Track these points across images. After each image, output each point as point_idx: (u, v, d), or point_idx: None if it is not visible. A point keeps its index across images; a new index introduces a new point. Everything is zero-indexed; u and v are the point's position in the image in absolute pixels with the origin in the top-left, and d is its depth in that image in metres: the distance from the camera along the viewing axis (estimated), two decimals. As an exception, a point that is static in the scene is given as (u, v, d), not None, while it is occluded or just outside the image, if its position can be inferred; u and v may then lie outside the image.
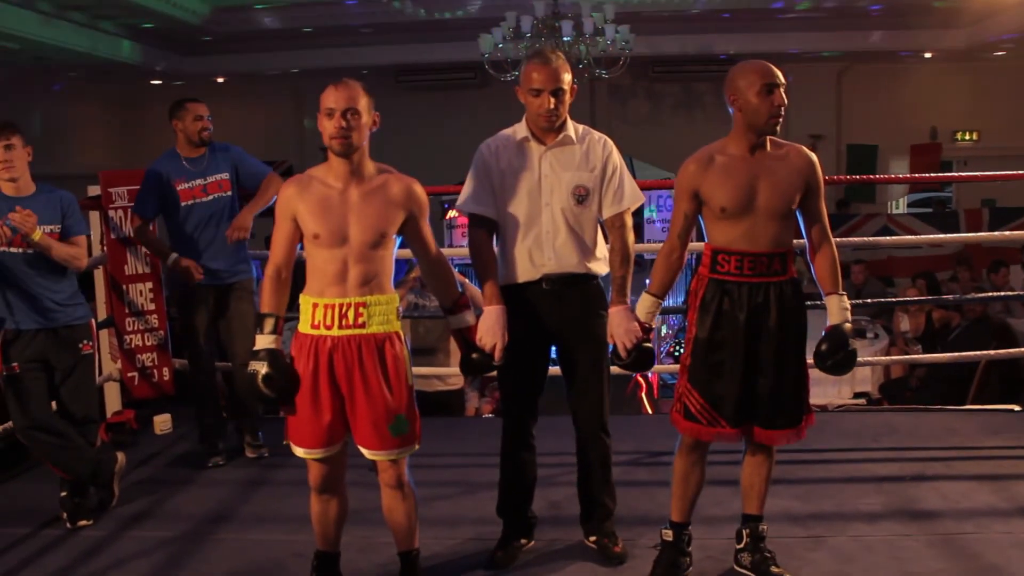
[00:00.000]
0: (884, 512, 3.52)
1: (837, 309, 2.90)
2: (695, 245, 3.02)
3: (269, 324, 2.76)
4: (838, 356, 2.88)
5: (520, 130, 3.12)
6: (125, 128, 14.30)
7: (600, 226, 3.20)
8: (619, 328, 3.02)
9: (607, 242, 3.21)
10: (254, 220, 4.27)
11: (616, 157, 3.16)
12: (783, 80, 2.78)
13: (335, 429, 2.78)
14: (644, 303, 3.01)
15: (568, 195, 3.07)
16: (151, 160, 4.31)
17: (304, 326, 2.78)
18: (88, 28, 10.31)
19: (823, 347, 2.89)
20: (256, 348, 2.75)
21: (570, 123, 3.11)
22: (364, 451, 2.81)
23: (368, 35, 12.13)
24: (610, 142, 3.17)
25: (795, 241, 2.94)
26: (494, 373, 3.18)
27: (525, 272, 3.11)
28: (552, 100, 2.99)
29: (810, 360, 2.93)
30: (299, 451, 2.81)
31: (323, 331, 2.74)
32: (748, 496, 3.04)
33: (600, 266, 3.17)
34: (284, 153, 13.54)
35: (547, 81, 2.99)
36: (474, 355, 3.00)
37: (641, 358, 3.03)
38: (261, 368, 2.71)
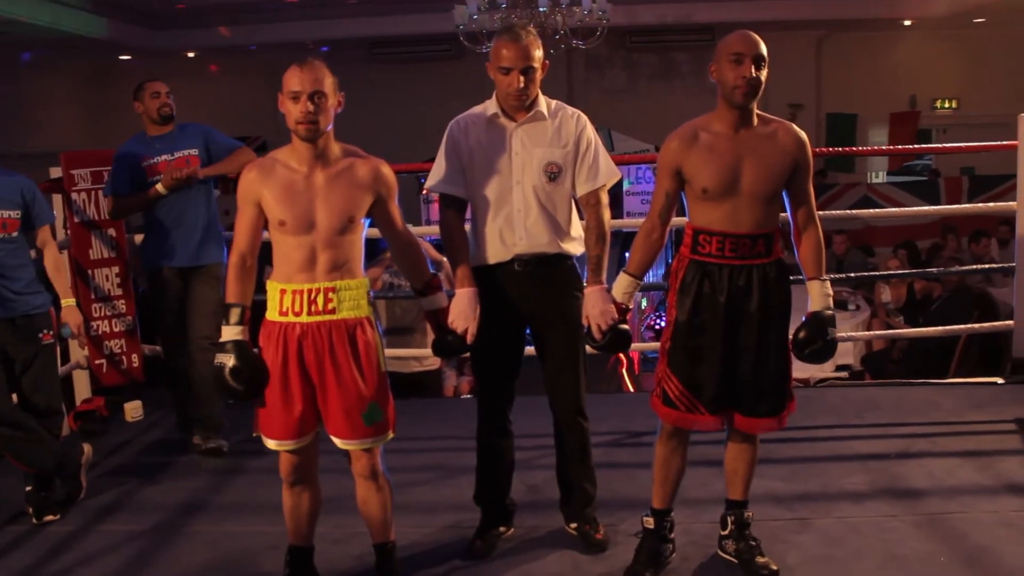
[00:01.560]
0: (870, 492, 3.47)
1: (819, 295, 2.82)
2: (678, 220, 2.93)
3: (235, 314, 2.66)
4: (816, 345, 2.80)
5: (490, 106, 3.02)
6: (93, 105, 14.04)
7: (575, 204, 3.11)
8: (594, 309, 2.93)
9: (582, 220, 3.12)
10: (226, 201, 4.16)
11: (590, 132, 3.05)
12: (761, 52, 2.65)
13: (306, 419, 2.69)
14: (621, 283, 2.91)
15: (539, 172, 2.98)
16: (121, 137, 4.21)
17: (272, 313, 2.68)
18: (51, 1, 10.06)
19: (801, 335, 2.81)
20: (223, 340, 2.64)
21: (542, 99, 3.01)
22: (336, 441, 2.72)
23: (342, 7, 11.93)
24: (583, 117, 3.07)
25: (781, 215, 2.85)
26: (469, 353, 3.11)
27: (496, 253, 3.02)
28: (522, 79, 2.89)
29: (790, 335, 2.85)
30: (270, 443, 2.72)
31: (291, 318, 2.64)
32: (732, 482, 2.97)
33: (574, 246, 3.08)
34: (258, 128, 13.33)
35: (517, 59, 2.89)
36: (448, 337, 2.92)
37: (616, 340, 2.95)
38: (228, 360, 2.61)
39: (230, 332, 2.64)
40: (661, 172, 2.79)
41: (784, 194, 2.80)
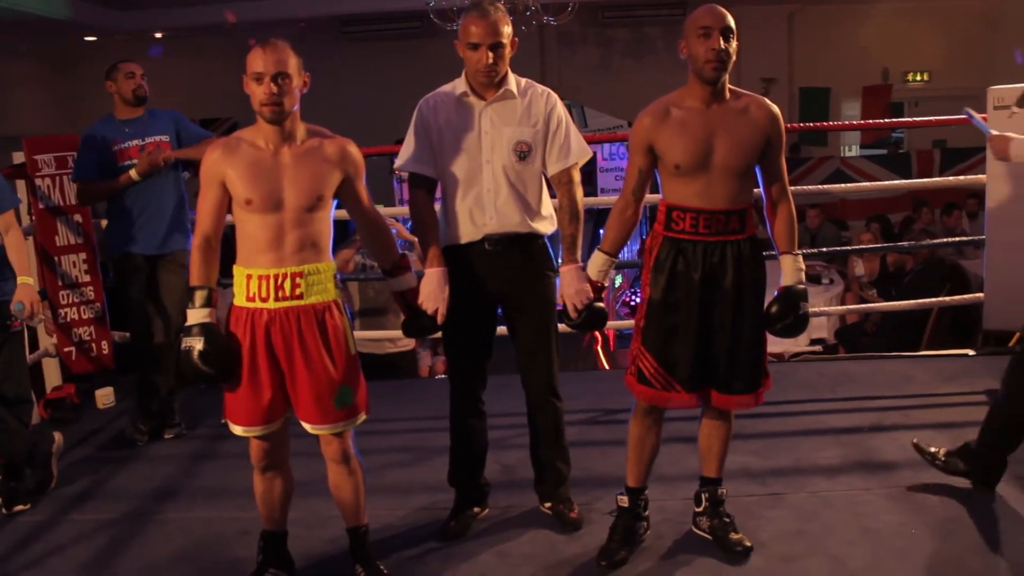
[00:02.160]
0: (843, 465, 3.49)
1: (791, 269, 2.81)
2: (652, 197, 2.91)
3: (200, 297, 2.60)
4: (788, 320, 2.79)
5: (459, 85, 2.99)
6: (59, 88, 13.83)
7: (546, 183, 3.08)
8: (569, 288, 2.92)
9: (553, 199, 3.10)
10: (195, 184, 4.10)
11: (560, 110, 3.03)
12: (728, 24, 2.62)
13: (275, 405, 2.66)
14: (596, 261, 2.90)
15: (509, 151, 2.96)
16: (88, 121, 4.13)
17: (239, 299, 2.64)
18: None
19: (773, 309, 2.80)
20: (189, 323, 2.60)
21: (511, 77, 2.98)
22: (307, 426, 2.69)
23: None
24: (554, 95, 3.04)
25: (754, 191, 2.84)
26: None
27: (467, 232, 2.99)
28: (490, 55, 2.86)
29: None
30: (237, 429, 2.68)
31: (259, 303, 2.60)
32: (706, 459, 2.97)
33: (546, 225, 3.06)
34: (228, 109, 13.18)
35: (485, 35, 2.86)
36: (418, 318, 2.90)
37: (592, 319, 2.94)
38: (196, 344, 2.56)
39: (196, 315, 2.59)
40: (633, 149, 2.77)
41: (757, 169, 2.79)
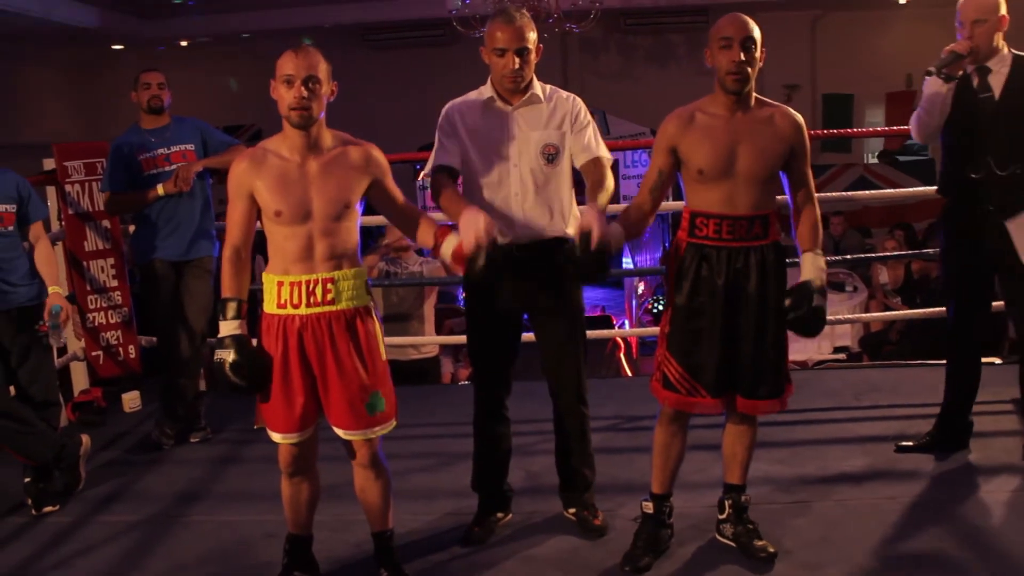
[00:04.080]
0: (868, 474, 3.47)
1: (811, 266, 2.77)
2: (674, 204, 2.91)
3: (232, 309, 2.62)
4: (801, 311, 2.72)
5: (485, 91, 3.02)
6: (85, 96, 13.98)
7: (573, 190, 3.09)
8: (589, 215, 2.65)
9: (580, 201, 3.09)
10: (220, 191, 4.13)
11: (585, 112, 3.05)
12: (750, 34, 2.62)
13: (308, 412, 2.67)
14: (613, 229, 2.71)
15: (537, 155, 2.98)
16: (114, 127, 4.19)
17: (269, 306, 2.65)
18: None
19: (787, 302, 2.76)
20: (221, 335, 2.62)
21: (536, 82, 3.01)
22: (339, 431, 2.70)
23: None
24: (578, 100, 3.07)
25: (778, 198, 2.84)
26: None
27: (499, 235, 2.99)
28: (517, 60, 2.89)
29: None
30: (275, 436, 2.70)
31: (290, 310, 2.61)
32: (730, 466, 2.97)
33: (572, 229, 3.06)
34: (251, 116, 13.31)
35: (511, 40, 2.88)
36: (472, 264, 2.62)
37: (599, 260, 2.62)
38: (228, 356, 2.58)
39: (228, 327, 2.61)
40: (656, 150, 2.78)
41: (783, 176, 2.79)
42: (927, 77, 3.37)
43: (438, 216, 3.09)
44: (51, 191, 4.53)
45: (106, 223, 4.47)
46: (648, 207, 2.81)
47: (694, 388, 2.78)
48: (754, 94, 2.73)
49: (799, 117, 2.77)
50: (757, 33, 2.65)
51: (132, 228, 4.33)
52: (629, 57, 14.41)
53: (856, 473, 3.48)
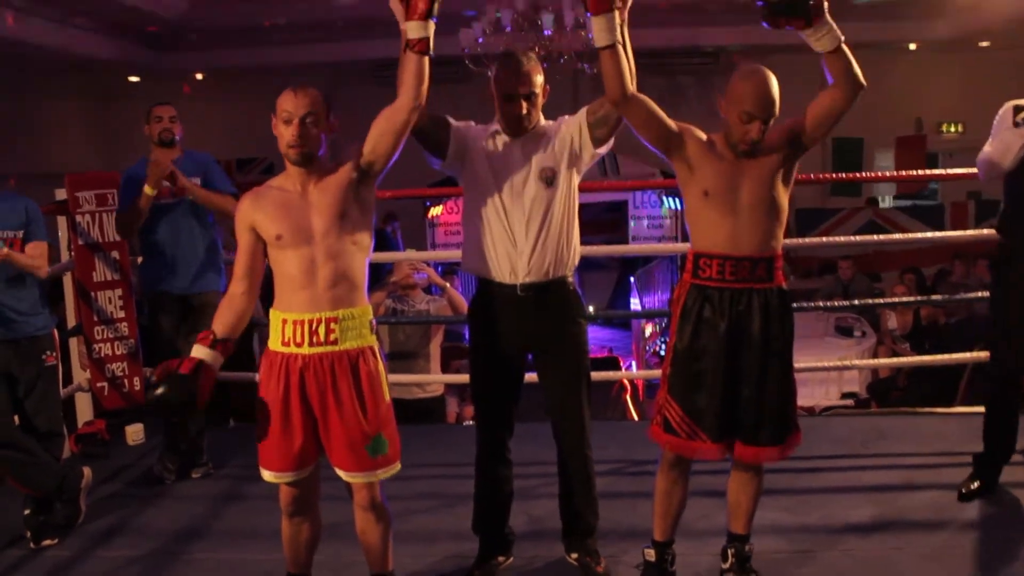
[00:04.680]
0: (875, 524, 3.43)
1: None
2: (682, 247, 2.90)
3: (208, 337, 2.61)
4: None
5: (491, 126, 3.03)
6: (102, 126, 14.11)
7: (575, 220, 3.08)
8: None
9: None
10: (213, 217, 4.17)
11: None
12: (774, 111, 2.61)
13: (307, 451, 2.66)
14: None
15: (536, 180, 2.96)
16: (129, 158, 4.22)
17: (274, 343, 2.65)
18: (62, 24, 10.12)
19: None
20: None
21: (542, 121, 3.03)
22: (341, 473, 2.68)
23: (346, 30, 11.98)
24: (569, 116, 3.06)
25: (786, 241, 2.83)
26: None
27: (498, 271, 2.99)
28: (524, 104, 2.91)
29: (798, 364, 2.81)
30: (267, 475, 2.68)
31: (293, 348, 2.61)
32: (734, 514, 2.93)
33: (572, 265, 3.06)
34: (263, 149, 13.37)
35: (519, 85, 2.90)
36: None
37: None
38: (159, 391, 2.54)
39: (196, 349, 2.59)
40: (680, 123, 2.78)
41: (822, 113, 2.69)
42: (1013, 124, 3.35)
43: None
44: (61, 221, 4.55)
45: (115, 254, 4.48)
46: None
47: (695, 432, 2.75)
48: None
49: (786, 121, 2.74)
50: (778, 104, 2.62)
51: (140, 259, 4.34)
52: (640, 98, 14.46)
53: (863, 523, 3.44)
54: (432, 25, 2.63)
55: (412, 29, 2.62)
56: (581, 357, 3.07)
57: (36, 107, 13.01)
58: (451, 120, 3.04)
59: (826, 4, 2.55)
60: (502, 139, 3.00)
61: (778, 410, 2.77)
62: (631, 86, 2.73)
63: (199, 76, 13.87)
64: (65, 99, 13.81)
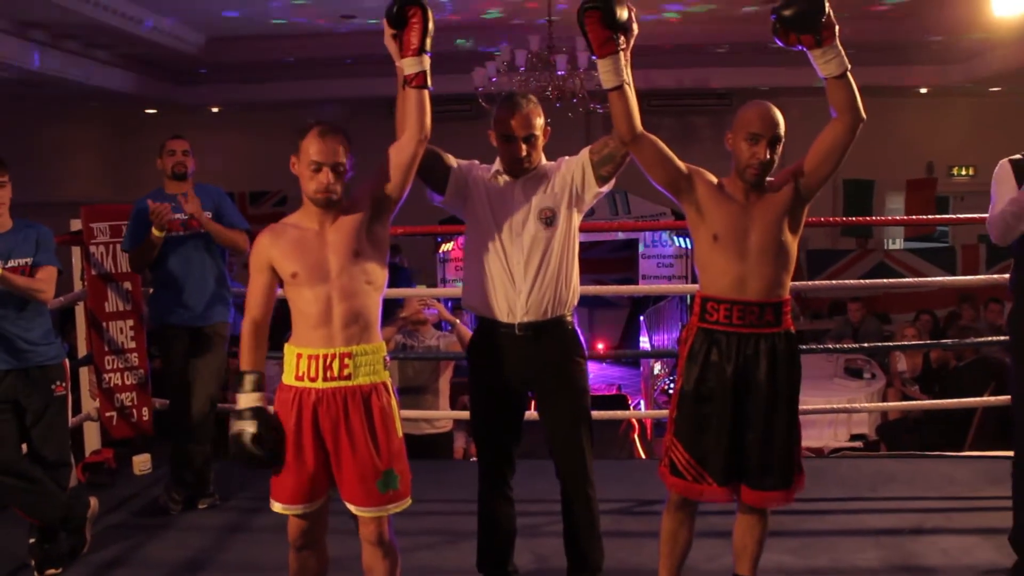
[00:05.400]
0: (882, 568, 3.41)
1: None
2: (692, 287, 2.90)
3: (250, 382, 2.64)
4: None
5: (495, 165, 3.06)
6: (118, 157, 14.22)
7: (575, 260, 3.09)
8: None
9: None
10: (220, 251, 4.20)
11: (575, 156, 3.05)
12: (778, 133, 2.66)
13: (317, 484, 2.67)
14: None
15: (536, 221, 2.97)
16: (144, 189, 4.26)
17: (288, 377, 2.67)
18: (82, 56, 10.26)
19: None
20: (240, 407, 2.62)
21: (543, 161, 3.05)
22: (351, 507, 2.69)
23: (362, 66, 12.10)
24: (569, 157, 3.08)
25: (793, 283, 2.83)
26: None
27: (498, 310, 3.00)
28: (524, 147, 2.93)
29: (807, 405, 2.80)
30: (276, 506, 2.69)
31: (307, 383, 2.63)
32: (740, 558, 2.92)
33: (572, 304, 3.07)
34: (279, 182, 13.48)
35: (519, 127, 2.92)
36: None
37: None
38: (249, 427, 2.59)
39: (247, 399, 2.62)
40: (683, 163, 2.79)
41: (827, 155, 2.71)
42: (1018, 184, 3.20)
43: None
44: (76, 251, 4.60)
45: (127, 285, 4.51)
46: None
47: (701, 475, 2.75)
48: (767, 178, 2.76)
49: (793, 166, 2.77)
50: (783, 129, 2.68)
51: (151, 291, 4.37)
52: (652, 137, 14.53)
53: (870, 567, 3.42)
54: (427, 59, 2.71)
55: (408, 65, 2.72)
56: (580, 396, 3.06)
57: (53, 137, 13.15)
58: (452, 160, 3.07)
59: (836, 28, 2.57)
60: (503, 179, 3.03)
61: (783, 455, 2.77)
62: (639, 125, 2.74)
63: (215, 109, 14.01)
64: (82, 130, 13.95)
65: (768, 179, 2.76)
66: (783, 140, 2.68)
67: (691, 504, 2.84)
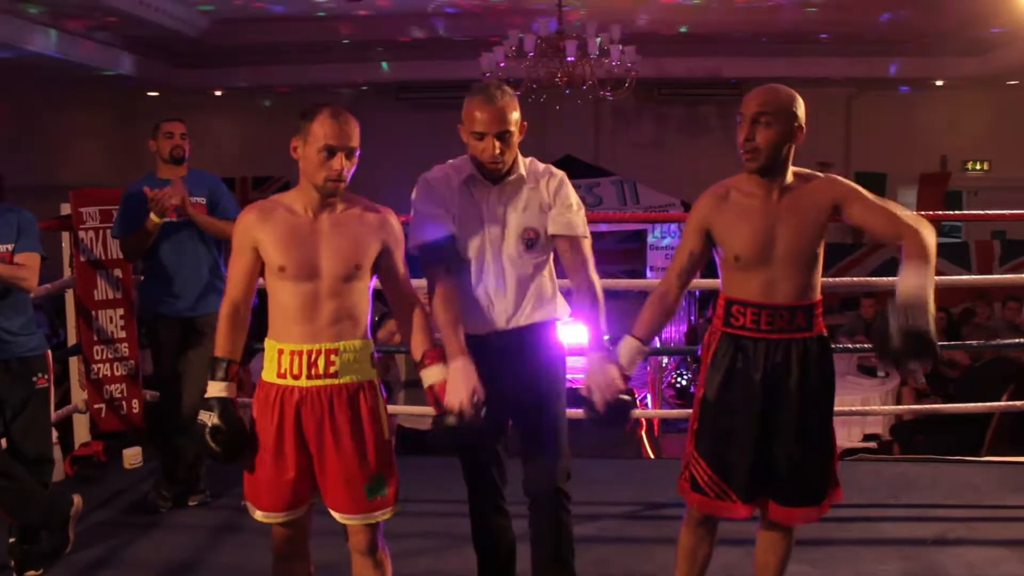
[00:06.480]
0: (905, 581, 3.23)
1: (912, 276, 2.32)
2: (701, 282, 2.70)
3: (221, 369, 2.46)
4: (889, 344, 2.28)
5: (464, 167, 2.72)
6: (118, 140, 14.07)
7: (554, 271, 2.84)
8: (598, 378, 2.58)
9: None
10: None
11: (568, 190, 2.74)
12: (762, 109, 2.41)
13: (300, 490, 2.49)
14: (627, 348, 2.61)
15: (516, 241, 2.70)
16: (144, 173, 4.06)
17: (269, 374, 2.47)
18: (82, 38, 10.10)
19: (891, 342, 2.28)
20: (207, 395, 2.45)
21: (520, 161, 2.72)
22: (336, 515, 2.51)
23: (369, 51, 11.93)
24: (563, 177, 2.77)
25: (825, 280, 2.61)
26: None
27: (473, 325, 2.70)
28: (497, 144, 2.60)
29: (840, 404, 2.60)
30: (257, 514, 2.52)
31: (290, 381, 2.44)
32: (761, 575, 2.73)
33: (558, 310, 2.81)
34: (281, 168, 13.30)
35: (491, 123, 2.59)
36: (445, 416, 2.52)
37: (618, 412, 2.60)
38: (209, 419, 2.41)
39: (215, 388, 2.44)
40: (688, 229, 2.57)
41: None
42: None
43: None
44: (65, 236, 4.42)
45: (118, 272, 4.34)
46: (674, 295, 2.61)
47: (724, 492, 2.55)
48: (792, 169, 2.52)
49: (833, 176, 2.55)
50: (777, 106, 2.42)
51: (142, 279, 4.20)
52: (661, 127, 14.40)
53: (892, 580, 3.25)
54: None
55: (430, 376, 2.57)
56: (555, 387, 2.79)
57: (53, 119, 13.00)
58: (448, 226, 2.70)
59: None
60: (476, 190, 2.71)
61: (817, 467, 2.56)
62: (675, 300, 2.65)
63: (218, 93, 13.84)
64: (83, 112, 13.80)
65: (795, 169, 2.54)
66: (779, 116, 2.42)
67: (712, 520, 2.65)
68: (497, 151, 2.61)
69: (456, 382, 2.54)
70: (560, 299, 2.83)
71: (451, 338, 2.60)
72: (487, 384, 2.62)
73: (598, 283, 2.74)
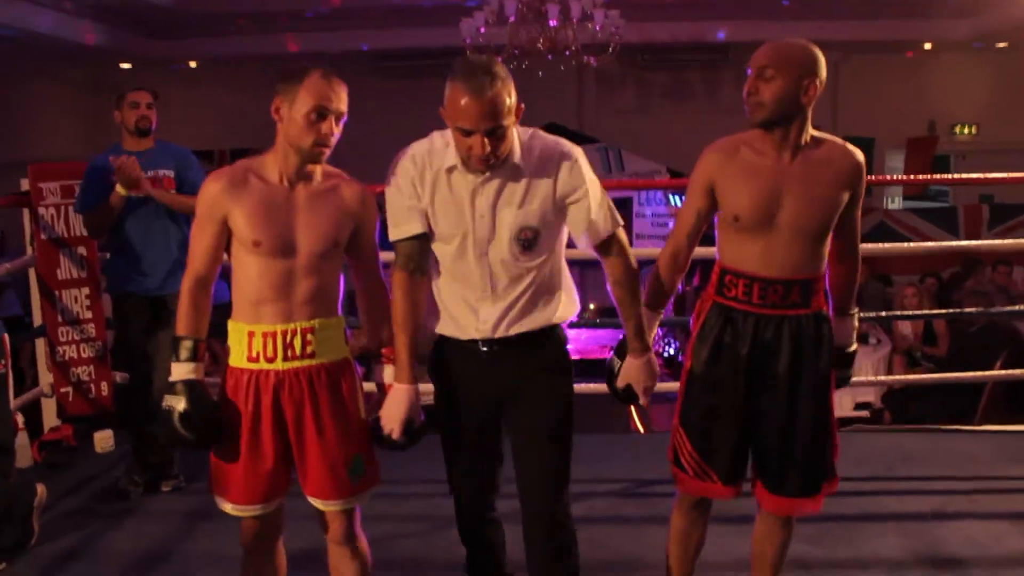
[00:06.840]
0: (906, 559, 3.13)
1: (844, 331, 2.51)
2: (704, 250, 2.53)
3: (186, 349, 2.28)
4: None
5: (449, 156, 2.27)
6: (91, 113, 13.73)
7: (564, 264, 2.48)
8: (641, 375, 2.43)
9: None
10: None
11: (580, 174, 2.30)
12: (765, 63, 2.25)
13: (277, 481, 2.34)
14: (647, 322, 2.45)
15: (510, 241, 2.28)
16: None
17: (238, 359, 2.30)
18: (50, 8, 9.80)
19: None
20: (172, 379, 2.28)
21: (516, 141, 2.26)
22: (316, 503, 2.36)
23: (345, 19, 11.66)
24: (570, 153, 2.31)
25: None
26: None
27: (462, 330, 2.39)
28: (488, 142, 2.15)
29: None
30: (227, 507, 2.36)
31: (264, 364, 2.27)
32: (757, 565, 2.58)
33: (562, 310, 2.42)
34: (259, 140, 12.96)
35: (479, 119, 2.12)
36: (381, 431, 2.36)
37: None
38: (178, 404, 2.25)
39: (181, 370, 2.27)
40: (693, 188, 2.38)
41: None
42: None
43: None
44: (24, 214, 4.23)
45: (82, 250, 4.15)
46: (684, 255, 2.45)
47: (704, 472, 2.41)
48: (810, 130, 2.33)
49: (859, 155, 2.37)
50: (783, 60, 2.25)
51: (108, 256, 4.01)
52: (646, 93, 14.19)
53: (892, 557, 3.14)
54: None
55: (387, 375, 2.44)
56: (561, 412, 2.43)
57: (21, 93, 12.67)
58: (417, 225, 2.32)
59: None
60: (462, 180, 2.27)
61: (810, 457, 2.40)
62: (685, 259, 2.49)
63: (192, 64, 13.54)
64: (55, 85, 13.46)
65: (813, 131, 2.35)
66: (781, 70, 2.25)
67: (706, 502, 2.51)
68: (487, 150, 2.16)
69: (390, 409, 2.35)
70: (567, 297, 2.44)
71: (401, 357, 2.34)
72: (480, 393, 2.42)
73: (636, 271, 2.41)
